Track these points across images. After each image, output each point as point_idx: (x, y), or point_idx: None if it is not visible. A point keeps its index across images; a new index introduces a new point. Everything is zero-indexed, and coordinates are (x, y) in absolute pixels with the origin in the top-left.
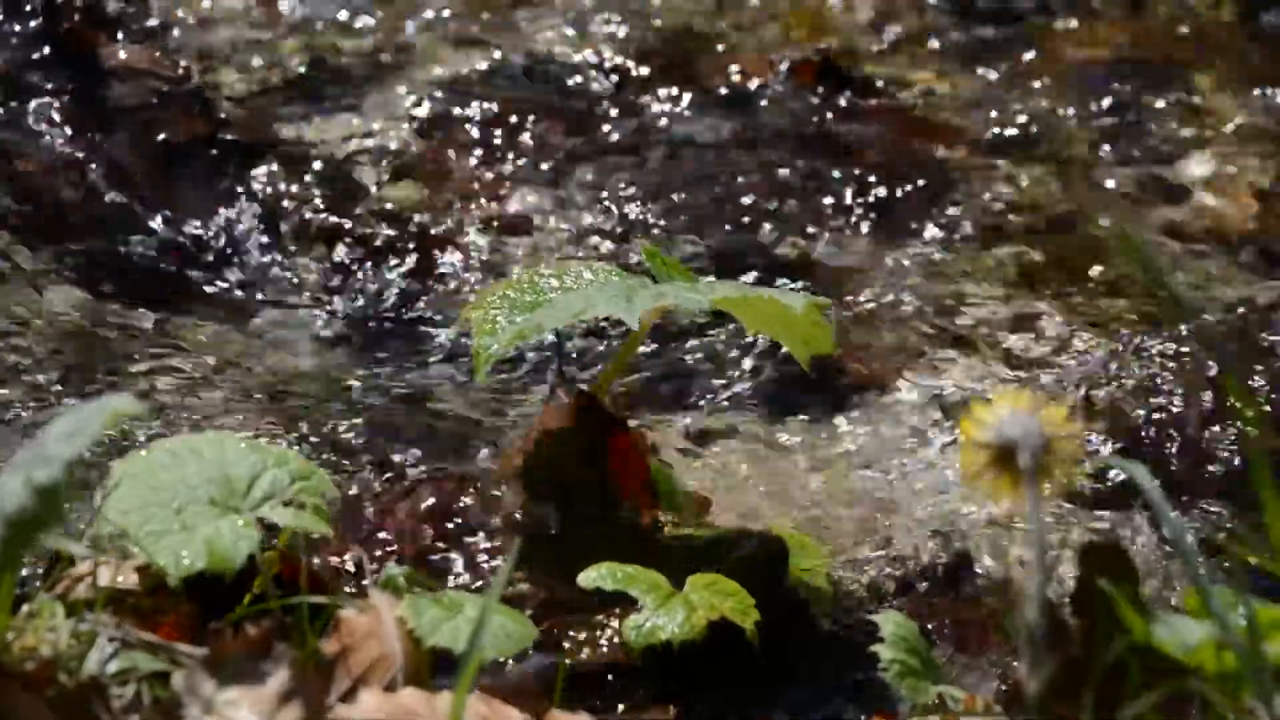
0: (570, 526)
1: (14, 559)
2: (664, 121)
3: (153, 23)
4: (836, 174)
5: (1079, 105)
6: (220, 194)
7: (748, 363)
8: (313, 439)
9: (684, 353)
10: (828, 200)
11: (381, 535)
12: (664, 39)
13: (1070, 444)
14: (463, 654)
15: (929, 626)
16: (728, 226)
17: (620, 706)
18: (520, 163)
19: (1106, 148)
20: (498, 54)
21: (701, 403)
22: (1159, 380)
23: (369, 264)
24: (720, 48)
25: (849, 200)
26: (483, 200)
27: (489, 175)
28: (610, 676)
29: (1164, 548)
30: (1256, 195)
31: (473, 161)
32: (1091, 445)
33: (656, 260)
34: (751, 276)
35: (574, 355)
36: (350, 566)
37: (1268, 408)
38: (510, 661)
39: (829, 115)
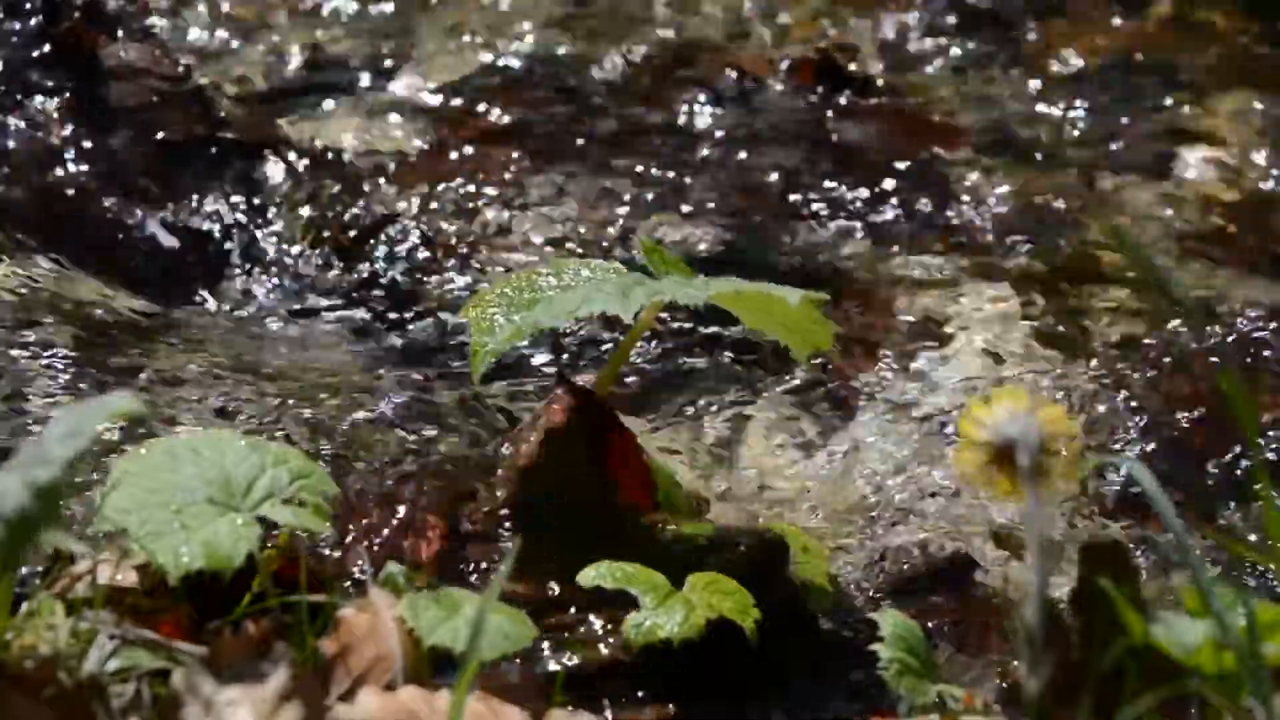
0: (570, 526)
1: (14, 559)
2: (664, 120)
3: (152, 22)
4: (836, 174)
5: (1078, 105)
6: (220, 193)
7: (747, 361)
8: (313, 438)
9: (683, 351)
10: (827, 199)
11: (381, 534)
12: (664, 38)
13: (1069, 444)
14: (462, 653)
15: (929, 626)
16: (727, 224)
17: (620, 706)
18: (521, 161)
19: (1106, 147)
20: (498, 53)
21: (700, 401)
22: (1158, 379)
23: (370, 262)
24: (720, 47)
25: (848, 199)
26: (484, 199)
27: (490, 174)
28: (610, 676)
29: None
30: (1255, 195)
31: (473, 160)
32: (1091, 445)
33: (655, 257)
34: (750, 274)
35: (574, 354)
36: (350, 565)
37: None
38: (510, 661)
39: (829, 115)
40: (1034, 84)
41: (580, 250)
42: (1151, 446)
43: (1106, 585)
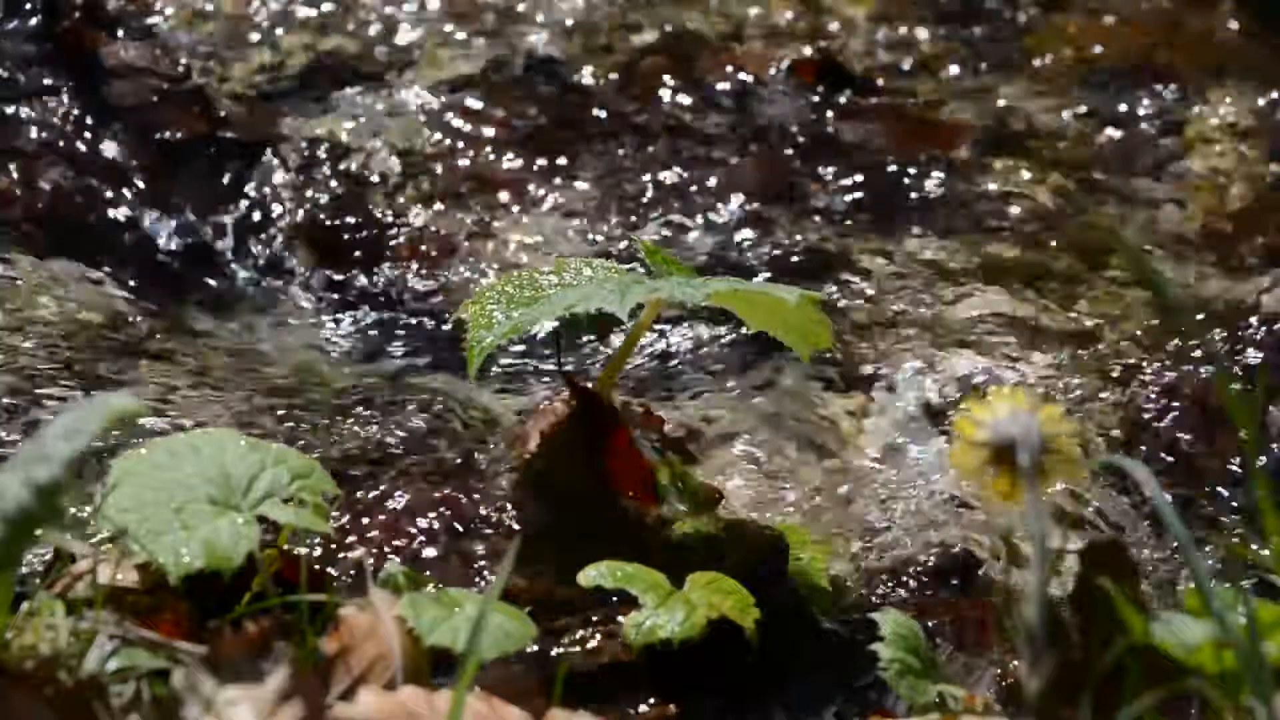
0: (570, 525)
1: (14, 558)
2: (664, 120)
3: (153, 21)
4: (836, 173)
5: (1078, 104)
6: (220, 193)
7: (748, 360)
8: (313, 437)
9: (684, 350)
10: (826, 199)
11: (381, 533)
12: (664, 37)
13: (1069, 443)
14: (462, 653)
15: (929, 626)
16: (727, 224)
17: (620, 706)
18: (521, 161)
19: (1105, 146)
20: (498, 53)
21: (701, 400)
22: (1156, 380)
23: (370, 262)
24: (721, 46)
25: (848, 199)
26: (484, 199)
27: (490, 174)
28: (610, 676)
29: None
30: (1253, 194)
31: (474, 160)
32: (1090, 445)
33: (655, 257)
34: (750, 273)
35: (576, 353)
36: (350, 564)
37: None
38: (510, 660)
39: (829, 114)
40: (1034, 83)
41: (582, 250)
42: (1152, 447)
43: (1106, 585)
